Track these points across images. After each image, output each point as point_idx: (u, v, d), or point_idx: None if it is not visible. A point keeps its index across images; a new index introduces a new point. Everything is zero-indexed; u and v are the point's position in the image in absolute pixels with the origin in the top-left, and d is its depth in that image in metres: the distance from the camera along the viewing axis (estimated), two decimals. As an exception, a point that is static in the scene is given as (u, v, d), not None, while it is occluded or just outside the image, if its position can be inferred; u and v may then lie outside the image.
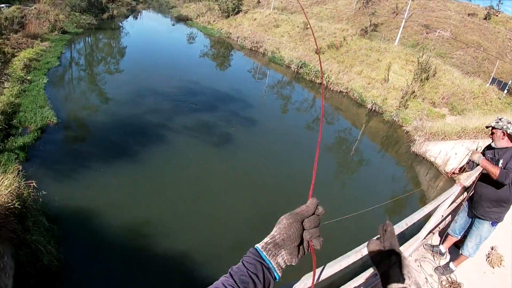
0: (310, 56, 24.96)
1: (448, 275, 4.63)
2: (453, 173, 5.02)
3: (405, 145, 12.73)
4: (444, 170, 10.93)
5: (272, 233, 1.07)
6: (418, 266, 4.81)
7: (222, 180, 9.39)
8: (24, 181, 6.07)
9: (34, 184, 6.07)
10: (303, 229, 1.07)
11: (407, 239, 4.92)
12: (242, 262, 1.04)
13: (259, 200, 8.75)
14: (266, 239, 1.06)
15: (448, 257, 4.99)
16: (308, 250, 1.08)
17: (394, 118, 15.59)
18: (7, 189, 5.39)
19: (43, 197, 6.36)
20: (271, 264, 1.02)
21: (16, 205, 5.38)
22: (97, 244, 6.63)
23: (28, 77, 13.95)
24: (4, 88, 11.57)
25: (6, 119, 9.89)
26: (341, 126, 15.04)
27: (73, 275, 6.15)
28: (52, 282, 5.86)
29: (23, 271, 5.52)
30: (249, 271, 1.00)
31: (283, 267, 1.05)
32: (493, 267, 4.99)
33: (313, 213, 1.10)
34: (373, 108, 17.33)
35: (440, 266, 4.76)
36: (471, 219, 4.50)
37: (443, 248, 4.95)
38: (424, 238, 4.74)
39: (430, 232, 4.85)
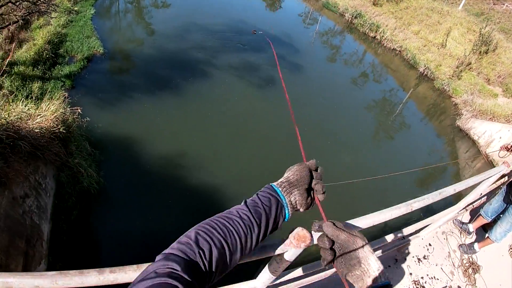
0: (366, 7, 23.18)
1: (470, 255, 4.60)
2: (506, 148, 4.85)
3: (450, 118, 12.19)
4: (485, 152, 10.47)
5: (285, 175, 1.16)
6: (444, 239, 4.79)
7: (262, 121, 9.41)
8: (69, 107, 6.35)
9: (79, 110, 6.34)
10: (312, 177, 1.15)
11: (438, 209, 4.88)
12: (257, 195, 1.10)
13: (295, 146, 8.62)
14: (281, 179, 1.14)
15: (474, 237, 4.94)
16: (314, 203, 1.16)
17: (445, 87, 14.67)
18: (53, 114, 5.67)
19: (87, 123, 6.67)
20: (285, 200, 1.10)
21: (61, 130, 5.68)
22: (135, 171, 7.01)
23: (75, 8, 14.06)
24: (52, 18, 11.78)
25: (53, 48, 10.19)
26: (388, 86, 14.41)
27: (110, 198, 6.60)
28: (90, 203, 6.30)
29: (63, 191, 5.92)
30: (263, 204, 1.06)
31: (294, 206, 1.12)
32: (516, 258, 4.92)
33: (316, 169, 1.17)
34: (425, 73, 16.21)
35: (465, 244, 4.72)
36: (506, 205, 4.39)
37: (472, 227, 4.88)
38: (458, 212, 4.67)
39: (465, 208, 4.76)
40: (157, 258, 0.83)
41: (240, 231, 0.98)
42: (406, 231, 4.79)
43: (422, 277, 4.40)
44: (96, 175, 6.35)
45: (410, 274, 4.38)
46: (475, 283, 4.51)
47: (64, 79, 8.30)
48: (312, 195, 1.15)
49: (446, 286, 4.37)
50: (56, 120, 5.70)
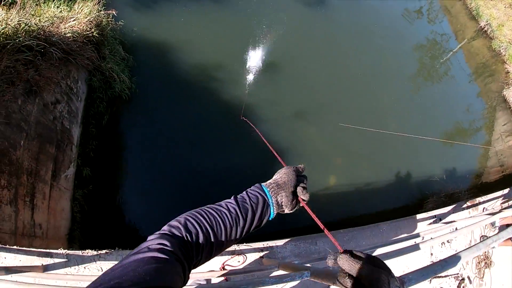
0: None
1: (488, 249, 4.52)
2: None
3: (498, 84, 10.87)
4: None
5: (274, 177, 1.26)
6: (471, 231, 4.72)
7: (308, 47, 8.55)
8: (104, 9, 5.89)
9: (114, 12, 5.94)
10: (298, 181, 1.24)
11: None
12: (247, 192, 1.20)
13: (341, 78, 8.27)
14: (270, 181, 1.25)
15: (497, 232, 4.77)
16: (299, 205, 1.26)
17: (502, 50, 12.75)
18: (86, 17, 5.34)
19: (121, 26, 6.29)
20: (272, 200, 1.18)
21: (94, 34, 5.35)
22: (168, 78, 6.83)
23: None
24: None
25: None
26: (441, 29, 12.55)
27: (141, 104, 6.60)
28: (121, 108, 6.28)
29: (95, 96, 5.86)
30: (251, 200, 1.15)
31: (280, 205, 1.20)
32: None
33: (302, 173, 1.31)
34: (485, 28, 13.73)
35: (486, 236, 4.60)
36: None
37: (498, 221, 4.69)
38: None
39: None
40: (149, 237, 0.91)
41: (226, 222, 1.06)
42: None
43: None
44: (129, 80, 6.22)
45: (431, 254, 4.40)
46: (483, 277, 4.57)
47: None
48: (298, 197, 1.24)
49: (457, 274, 4.41)
50: (90, 23, 5.39)
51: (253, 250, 3.49)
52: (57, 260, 3.02)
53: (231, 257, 3.35)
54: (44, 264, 2.98)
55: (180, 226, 0.97)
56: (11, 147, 4.25)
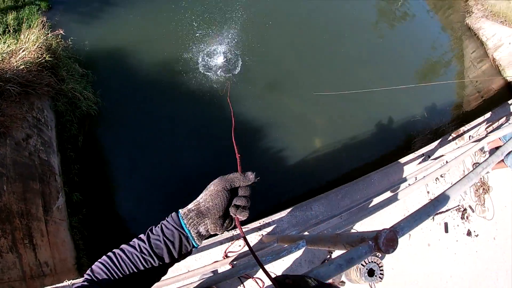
0: None
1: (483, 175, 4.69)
2: None
3: (460, 14, 10.95)
4: (492, 55, 9.77)
5: (198, 199, 1.09)
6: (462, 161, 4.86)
7: (267, 19, 8.15)
8: (50, 31, 5.64)
9: (61, 32, 5.72)
10: (231, 198, 1.08)
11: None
12: (161, 226, 1.09)
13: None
14: (190, 206, 1.08)
15: (488, 156, 4.95)
16: (233, 224, 1.11)
17: None
18: (35, 45, 5.10)
19: (72, 43, 6.06)
20: (190, 233, 1.05)
21: (47, 58, 5.13)
22: (131, 83, 6.67)
23: None
24: None
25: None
26: None
27: (112, 116, 6.44)
28: (93, 126, 6.19)
29: (64, 120, 5.68)
30: (165, 237, 1.05)
31: (204, 235, 1.08)
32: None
33: (246, 185, 1.10)
34: None
35: (478, 163, 4.75)
36: None
37: (487, 146, 4.84)
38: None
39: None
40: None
41: (139, 264, 1.02)
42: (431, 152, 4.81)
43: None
44: (93, 96, 6.07)
45: (428, 192, 4.53)
46: (484, 203, 4.72)
47: (39, 1, 7.06)
48: (232, 215, 1.10)
49: (458, 206, 4.57)
50: (40, 50, 5.13)
51: (251, 231, 3.54)
52: None
53: (231, 243, 3.38)
54: None
55: (90, 273, 1.01)
56: (-5, 195, 4.13)
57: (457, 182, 1.74)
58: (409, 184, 4.30)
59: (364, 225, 3.92)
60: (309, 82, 7.46)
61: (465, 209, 4.57)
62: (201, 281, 2.36)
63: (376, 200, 3.92)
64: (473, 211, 4.62)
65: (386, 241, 1.18)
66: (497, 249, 4.59)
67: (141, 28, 7.08)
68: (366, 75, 7.97)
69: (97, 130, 6.20)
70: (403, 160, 4.69)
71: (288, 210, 3.78)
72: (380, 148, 7.14)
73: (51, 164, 5.35)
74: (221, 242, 3.35)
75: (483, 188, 4.76)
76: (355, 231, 3.84)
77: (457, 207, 4.58)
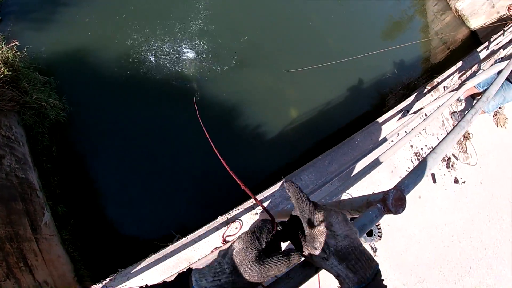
0: None
1: None
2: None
3: None
4: (454, 6, 9.85)
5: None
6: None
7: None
8: (4, 44, 5.28)
9: (16, 43, 5.34)
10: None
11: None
12: None
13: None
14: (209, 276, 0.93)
15: (464, 104, 5.09)
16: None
17: None
18: (-11, 61, 4.75)
19: (29, 52, 5.71)
20: None
21: (5, 73, 4.85)
22: (96, 83, 6.43)
23: None
24: None
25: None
26: None
27: (82, 120, 6.21)
28: (65, 133, 5.99)
29: (34, 133, 5.47)
30: None
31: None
32: (497, 126, 5.23)
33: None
34: None
35: (456, 112, 4.90)
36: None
37: (462, 95, 4.96)
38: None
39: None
40: None
41: None
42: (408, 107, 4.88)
43: (421, 148, 4.67)
44: (59, 102, 5.81)
45: (411, 146, 4.63)
46: (466, 150, 4.89)
47: (-14, 16, 6.63)
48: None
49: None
50: (-4, 65, 4.80)
51: (245, 211, 3.52)
52: None
53: (227, 227, 3.38)
54: None
55: None
56: (-21, 224, 3.97)
57: (451, 131, 1.76)
58: (392, 141, 4.40)
59: (358, 188, 3.99)
60: (278, 57, 7.40)
61: (449, 158, 4.73)
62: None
63: (363, 162, 3.98)
64: (457, 159, 4.78)
65: (394, 201, 1.18)
66: (485, 193, 4.80)
67: (98, 25, 6.75)
68: (333, 42, 7.96)
69: (69, 137, 5.97)
70: (383, 118, 4.77)
71: (278, 183, 3.77)
72: (357, 109, 7.26)
73: (30, 181, 5.16)
74: (217, 228, 3.34)
75: (464, 136, 4.92)
76: (349, 195, 3.90)
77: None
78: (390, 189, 1.21)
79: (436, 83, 5.32)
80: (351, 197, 1.70)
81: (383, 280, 0.92)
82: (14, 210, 4.61)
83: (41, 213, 5.12)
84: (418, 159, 4.56)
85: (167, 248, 3.32)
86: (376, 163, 3.06)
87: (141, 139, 6.22)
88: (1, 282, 3.87)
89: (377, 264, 0.93)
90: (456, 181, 4.64)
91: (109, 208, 5.85)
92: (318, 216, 0.97)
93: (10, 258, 4.15)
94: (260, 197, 3.65)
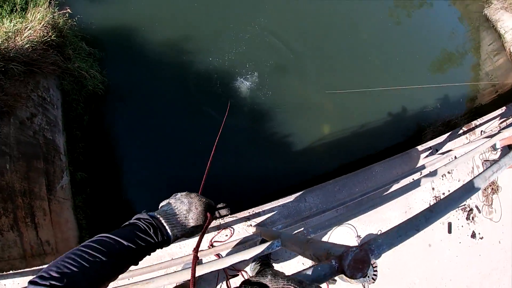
0: None
1: None
2: None
3: (479, 4, 10.35)
4: (509, 49, 9.22)
5: (177, 211, 1.37)
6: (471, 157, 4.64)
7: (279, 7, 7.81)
8: (57, 9, 5.53)
9: (68, 10, 5.60)
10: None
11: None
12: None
13: None
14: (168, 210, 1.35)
15: (499, 154, 4.74)
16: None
17: None
18: (41, 23, 5.01)
19: (79, 21, 5.97)
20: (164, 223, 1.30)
21: (52, 37, 5.08)
22: (138, 62, 6.57)
23: None
24: None
25: None
26: None
27: (118, 96, 6.39)
28: (99, 105, 6.17)
29: (70, 99, 5.67)
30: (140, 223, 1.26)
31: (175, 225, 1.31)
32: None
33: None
34: None
35: (489, 160, 4.56)
36: None
37: (499, 143, 4.61)
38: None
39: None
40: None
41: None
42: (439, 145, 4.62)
43: (443, 193, 4.40)
44: (100, 75, 6.00)
45: (433, 189, 4.38)
46: (491, 204, 4.53)
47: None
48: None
49: (464, 205, 4.40)
50: (46, 28, 5.07)
51: (240, 221, 3.43)
52: None
53: (218, 232, 3.31)
54: None
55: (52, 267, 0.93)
56: (-2, 174, 4.18)
57: (460, 188, 1.56)
58: (413, 179, 4.16)
59: (364, 222, 3.82)
60: (322, 73, 7.22)
61: (471, 209, 4.41)
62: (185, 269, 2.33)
63: (376, 194, 3.79)
64: (480, 212, 4.45)
65: (353, 263, 1.02)
66: (502, 254, 4.41)
67: (151, 6, 6.91)
68: (380, 64, 7.67)
69: (103, 109, 6.17)
70: (409, 152, 4.50)
71: (281, 199, 3.64)
72: (390, 138, 6.95)
73: (56, 143, 5.38)
74: (208, 231, 3.29)
75: (492, 188, 4.57)
76: (351, 226, 3.74)
77: (463, 206, 4.42)
78: (354, 247, 1.05)
79: (473, 125, 4.96)
80: (326, 240, 1.58)
81: None
82: (34, 168, 4.82)
83: (60, 176, 5.32)
84: (437, 204, 4.30)
85: None
86: (389, 198, 2.88)
87: (169, 127, 6.29)
88: (4, 232, 4.05)
89: None
90: (473, 235, 4.31)
91: (125, 184, 5.96)
92: None
93: (18, 212, 4.34)
94: (258, 209, 3.54)
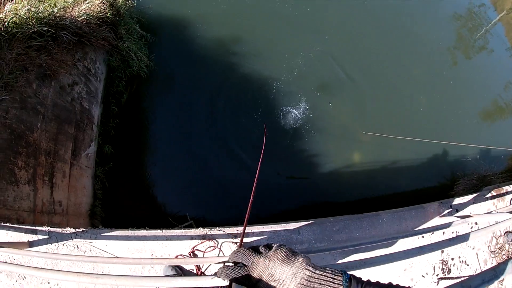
0: None
1: None
2: None
3: None
4: None
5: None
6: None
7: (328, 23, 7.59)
8: (118, -11, 5.82)
9: (129, -9, 5.85)
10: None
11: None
12: None
13: None
14: None
15: None
16: None
17: None
18: (99, -1, 5.25)
19: (138, 3, 6.26)
20: None
21: (108, 15, 5.32)
22: (186, 54, 6.74)
23: None
24: None
25: None
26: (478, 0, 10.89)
27: (160, 82, 6.61)
28: (140, 87, 6.39)
29: (114, 76, 5.94)
30: None
31: None
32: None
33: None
34: None
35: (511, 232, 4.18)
36: None
37: None
38: None
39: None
40: None
41: None
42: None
43: (452, 258, 4.12)
44: (147, 58, 6.24)
45: (442, 251, 4.10)
46: (503, 280, 4.15)
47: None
48: None
49: (473, 275, 4.07)
50: (103, 5, 5.35)
51: (226, 236, 3.32)
52: (40, 237, 3.21)
53: (201, 242, 3.23)
54: (30, 240, 3.19)
55: None
56: (28, 129, 4.44)
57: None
58: (422, 237, 3.94)
59: (355, 273, 3.62)
60: (364, 103, 7.05)
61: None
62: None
63: (377, 247, 3.60)
64: (487, 288, 4.10)
65: None
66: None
67: (211, 5, 7.04)
68: (427, 101, 7.31)
69: (143, 91, 6.41)
70: (424, 206, 4.18)
71: (274, 225, 3.51)
72: (421, 181, 6.59)
73: (91, 113, 5.66)
74: (191, 238, 3.26)
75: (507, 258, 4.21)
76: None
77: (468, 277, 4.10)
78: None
79: (504, 191, 4.53)
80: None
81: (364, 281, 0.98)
82: (65, 131, 5.09)
83: (87, 145, 5.59)
84: (443, 269, 4.01)
85: (152, 230, 3.38)
86: (391, 258, 2.68)
87: (203, 123, 6.42)
88: (21, 184, 4.31)
89: (344, 271, 0.99)
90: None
91: (148, 168, 6.15)
92: (255, 276, 0.98)
93: (39, 169, 4.61)
94: (247, 230, 3.47)
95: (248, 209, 1.65)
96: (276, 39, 7.09)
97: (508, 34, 9.58)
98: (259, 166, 2.26)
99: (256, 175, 2.03)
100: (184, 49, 6.66)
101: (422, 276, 3.85)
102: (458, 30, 8.67)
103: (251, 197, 1.74)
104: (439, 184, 6.67)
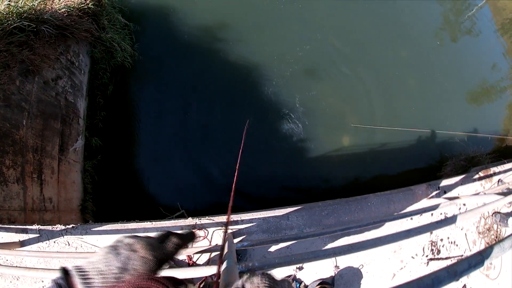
0: None
1: (500, 227, 4.24)
2: None
3: None
4: None
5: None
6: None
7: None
8: (97, -22, 5.67)
9: (108, -20, 5.71)
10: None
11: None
12: None
13: None
14: None
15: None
16: None
17: None
18: (79, -11, 5.13)
19: (118, -7, 6.08)
20: None
21: (90, 5, 5.21)
22: (170, 42, 6.64)
23: None
24: None
25: None
26: None
27: (145, 71, 6.52)
28: (125, 78, 6.32)
29: (98, 68, 5.84)
30: None
31: None
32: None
33: None
34: None
35: (500, 212, 4.25)
36: None
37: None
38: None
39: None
40: None
41: None
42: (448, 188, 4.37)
43: (441, 239, 4.20)
44: (130, 48, 6.15)
45: (431, 233, 4.16)
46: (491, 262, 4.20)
47: None
48: None
49: (462, 255, 4.17)
50: (84, -4, 5.19)
51: (216, 225, 3.35)
52: (31, 236, 3.21)
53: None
54: (21, 240, 3.19)
55: None
56: (13, 127, 4.38)
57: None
58: (411, 219, 3.99)
59: (343, 257, 3.65)
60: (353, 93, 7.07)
61: (466, 261, 4.16)
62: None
63: (366, 230, 3.64)
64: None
65: None
66: (492, 314, 4.16)
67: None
68: (415, 83, 7.33)
69: (128, 82, 6.33)
70: (412, 189, 4.20)
71: (263, 211, 3.52)
72: (410, 162, 6.65)
73: (76, 107, 5.59)
74: (181, 228, 3.24)
75: (496, 241, 4.29)
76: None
77: (459, 256, 4.19)
78: None
79: (492, 172, 4.57)
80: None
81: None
82: (51, 127, 5.03)
83: (74, 139, 5.53)
84: (432, 250, 4.08)
85: (142, 222, 3.39)
86: (381, 241, 2.68)
87: (190, 112, 6.36)
88: (9, 183, 4.27)
89: None
90: (463, 289, 4.10)
91: (137, 159, 6.12)
92: None
93: (27, 167, 4.56)
94: (237, 217, 3.43)
95: (231, 198, 1.67)
96: (263, 25, 7.01)
97: (495, 16, 9.59)
98: (239, 157, 2.29)
99: (237, 166, 2.07)
100: (169, 36, 6.56)
101: (412, 257, 3.91)
102: (445, 13, 8.66)
103: (233, 185, 1.78)
104: (427, 165, 6.74)
